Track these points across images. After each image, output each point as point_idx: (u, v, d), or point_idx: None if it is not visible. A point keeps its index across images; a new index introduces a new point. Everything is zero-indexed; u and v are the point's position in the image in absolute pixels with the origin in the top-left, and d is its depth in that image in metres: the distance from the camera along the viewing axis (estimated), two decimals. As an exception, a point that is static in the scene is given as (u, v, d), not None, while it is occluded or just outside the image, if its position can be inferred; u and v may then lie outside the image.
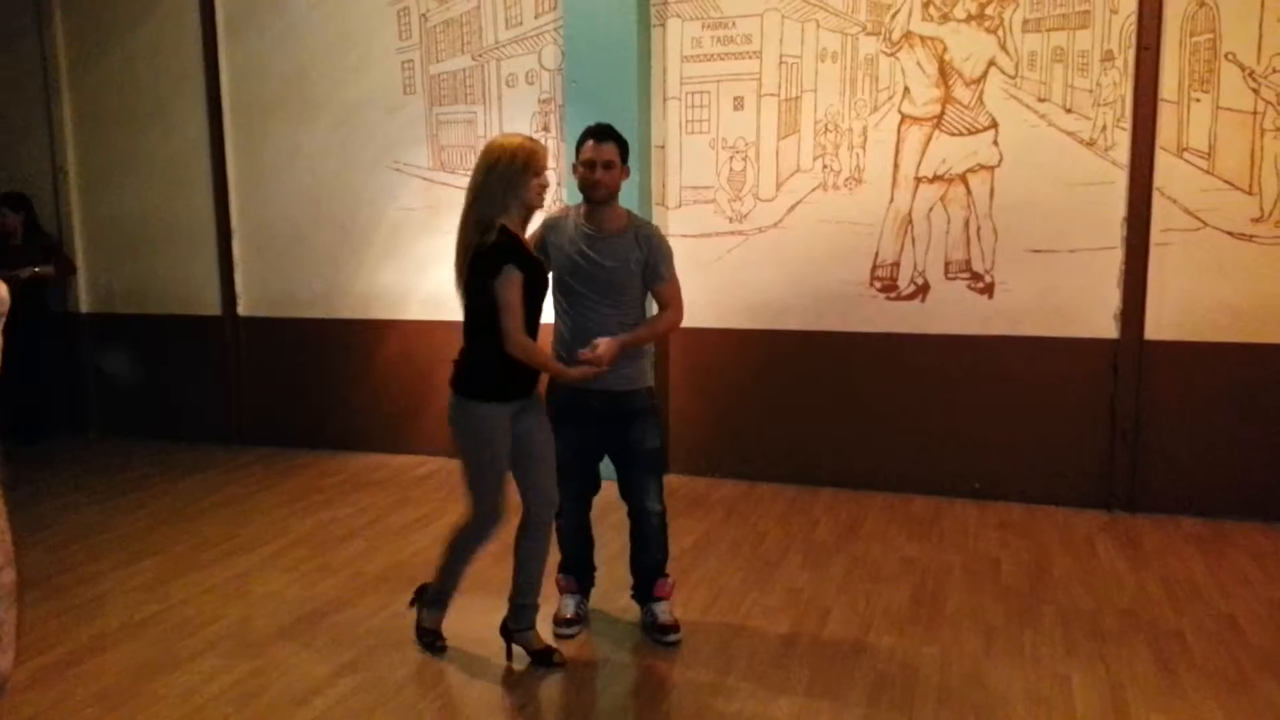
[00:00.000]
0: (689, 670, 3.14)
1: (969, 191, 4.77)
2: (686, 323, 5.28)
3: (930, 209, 4.86)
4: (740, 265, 5.20)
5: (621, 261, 3.23)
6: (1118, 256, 4.54)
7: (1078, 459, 4.70)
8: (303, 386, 6.13)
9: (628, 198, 5.11)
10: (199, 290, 6.29)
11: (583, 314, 3.25)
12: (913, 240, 4.90)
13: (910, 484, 4.93)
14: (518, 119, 5.51)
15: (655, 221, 5.29)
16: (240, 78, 6.03)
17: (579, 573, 3.54)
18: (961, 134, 4.76)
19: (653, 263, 3.27)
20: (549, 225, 3.35)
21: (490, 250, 2.91)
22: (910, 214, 4.89)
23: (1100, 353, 4.58)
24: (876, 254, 4.96)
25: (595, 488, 3.50)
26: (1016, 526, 4.44)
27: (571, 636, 3.37)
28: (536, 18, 5.40)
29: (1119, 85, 4.50)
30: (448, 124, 5.69)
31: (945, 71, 4.77)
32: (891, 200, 4.92)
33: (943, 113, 4.79)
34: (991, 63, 4.70)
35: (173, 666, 3.21)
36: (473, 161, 5.45)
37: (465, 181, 5.56)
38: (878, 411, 5.00)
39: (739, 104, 5.13)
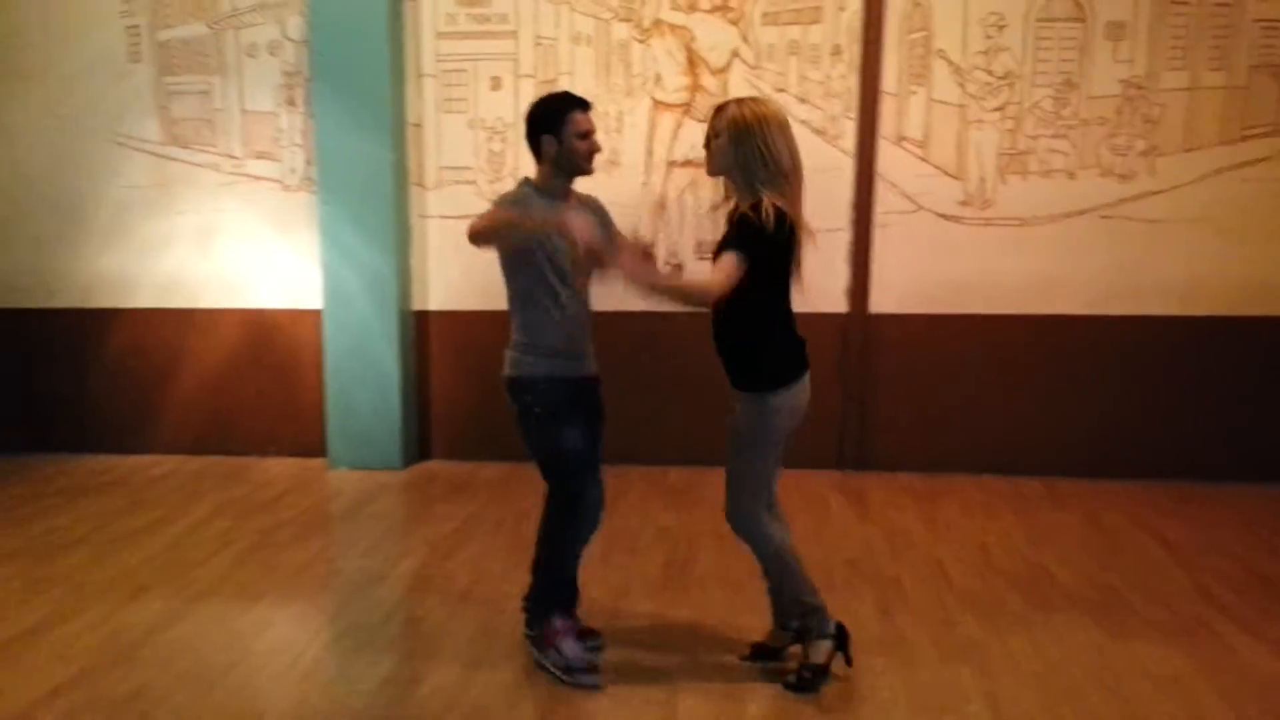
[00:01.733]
0: (446, 655, 3.11)
1: (716, 176, 4.98)
2: (447, 305, 5.28)
3: (682, 193, 5.04)
4: (500, 247, 5.17)
5: (600, 230, 2.93)
6: (846, 237, 4.90)
7: (815, 424, 5.00)
8: (15, 384, 5.51)
9: (380, 177, 4.99)
10: (-116, 279, 5.51)
11: (582, 296, 3.02)
12: (667, 222, 5.07)
13: (667, 456, 5.12)
14: (260, 92, 5.20)
15: (413, 202, 5.18)
16: (-67, 40, 5.32)
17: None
18: (709, 121, 4.95)
19: (607, 224, 3.08)
20: (525, 209, 2.90)
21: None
22: (664, 197, 5.05)
23: (832, 326, 4.93)
24: (634, 235, 5.08)
25: None
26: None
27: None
28: (277, -15, 5.11)
29: (846, 78, 4.85)
30: (180, 95, 5.27)
31: (693, 60, 4.95)
32: (646, 183, 5.06)
33: (692, 100, 4.97)
34: (735, 53, 4.92)
35: None
36: (209, 137, 5.27)
37: (201, 158, 5.35)
38: (636, 387, 5.14)
39: (496, 84, 5.09)
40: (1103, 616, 3.34)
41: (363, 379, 5.13)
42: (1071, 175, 4.79)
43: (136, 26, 5.24)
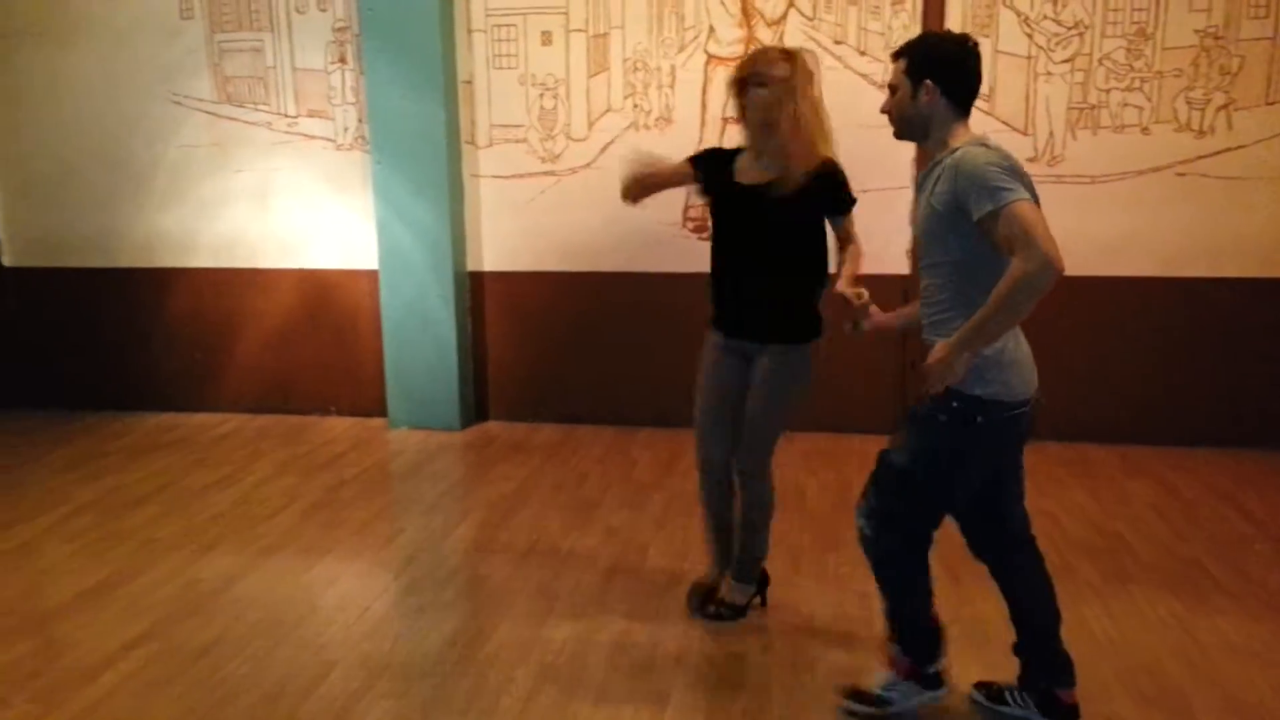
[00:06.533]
0: (512, 612, 3.13)
1: (774, 132, 4.87)
2: (500, 266, 5.25)
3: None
4: (554, 207, 5.13)
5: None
6: (908, 196, 4.76)
7: (876, 387, 4.97)
8: (79, 343, 5.59)
9: (432, 136, 4.94)
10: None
11: None
12: (722, 180, 4.97)
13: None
14: (310, 48, 5.17)
15: (464, 161, 5.13)
16: (-19, -5, 5.34)
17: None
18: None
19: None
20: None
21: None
22: (719, 155, 4.95)
23: (894, 287, 4.81)
24: (688, 194, 5.00)
25: None
26: (822, 455, 4.66)
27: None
28: (327, -61, 5.05)
29: (909, 28, 4.69)
30: (232, 52, 5.26)
31: (748, 11, 4.82)
32: (701, 140, 4.95)
33: (747, 53, 4.84)
34: (791, 4, 4.79)
35: (-64, 653, 2.90)
36: (262, 95, 5.25)
37: (255, 116, 5.33)
38: (691, 349, 5.08)
39: (547, 39, 5.00)
40: (1181, 588, 3.26)
41: (420, 340, 5.14)
42: (1145, 130, 4.61)
43: (188, -17, 5.23)
